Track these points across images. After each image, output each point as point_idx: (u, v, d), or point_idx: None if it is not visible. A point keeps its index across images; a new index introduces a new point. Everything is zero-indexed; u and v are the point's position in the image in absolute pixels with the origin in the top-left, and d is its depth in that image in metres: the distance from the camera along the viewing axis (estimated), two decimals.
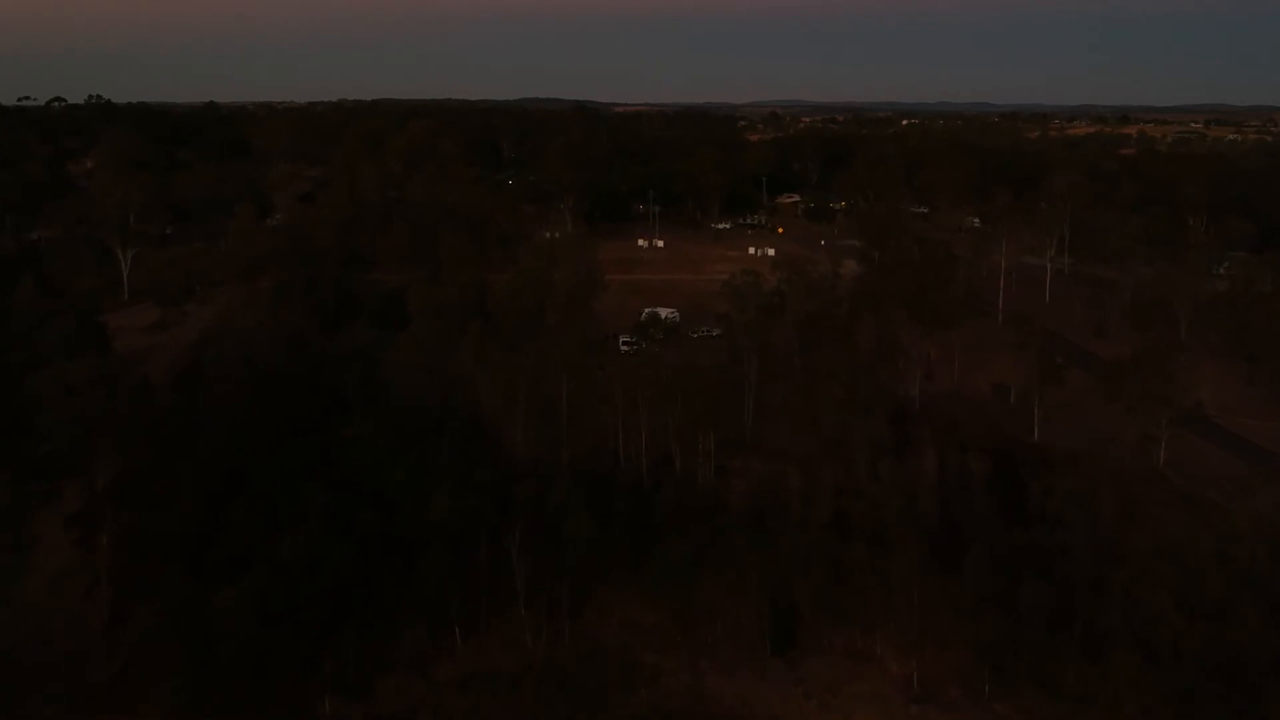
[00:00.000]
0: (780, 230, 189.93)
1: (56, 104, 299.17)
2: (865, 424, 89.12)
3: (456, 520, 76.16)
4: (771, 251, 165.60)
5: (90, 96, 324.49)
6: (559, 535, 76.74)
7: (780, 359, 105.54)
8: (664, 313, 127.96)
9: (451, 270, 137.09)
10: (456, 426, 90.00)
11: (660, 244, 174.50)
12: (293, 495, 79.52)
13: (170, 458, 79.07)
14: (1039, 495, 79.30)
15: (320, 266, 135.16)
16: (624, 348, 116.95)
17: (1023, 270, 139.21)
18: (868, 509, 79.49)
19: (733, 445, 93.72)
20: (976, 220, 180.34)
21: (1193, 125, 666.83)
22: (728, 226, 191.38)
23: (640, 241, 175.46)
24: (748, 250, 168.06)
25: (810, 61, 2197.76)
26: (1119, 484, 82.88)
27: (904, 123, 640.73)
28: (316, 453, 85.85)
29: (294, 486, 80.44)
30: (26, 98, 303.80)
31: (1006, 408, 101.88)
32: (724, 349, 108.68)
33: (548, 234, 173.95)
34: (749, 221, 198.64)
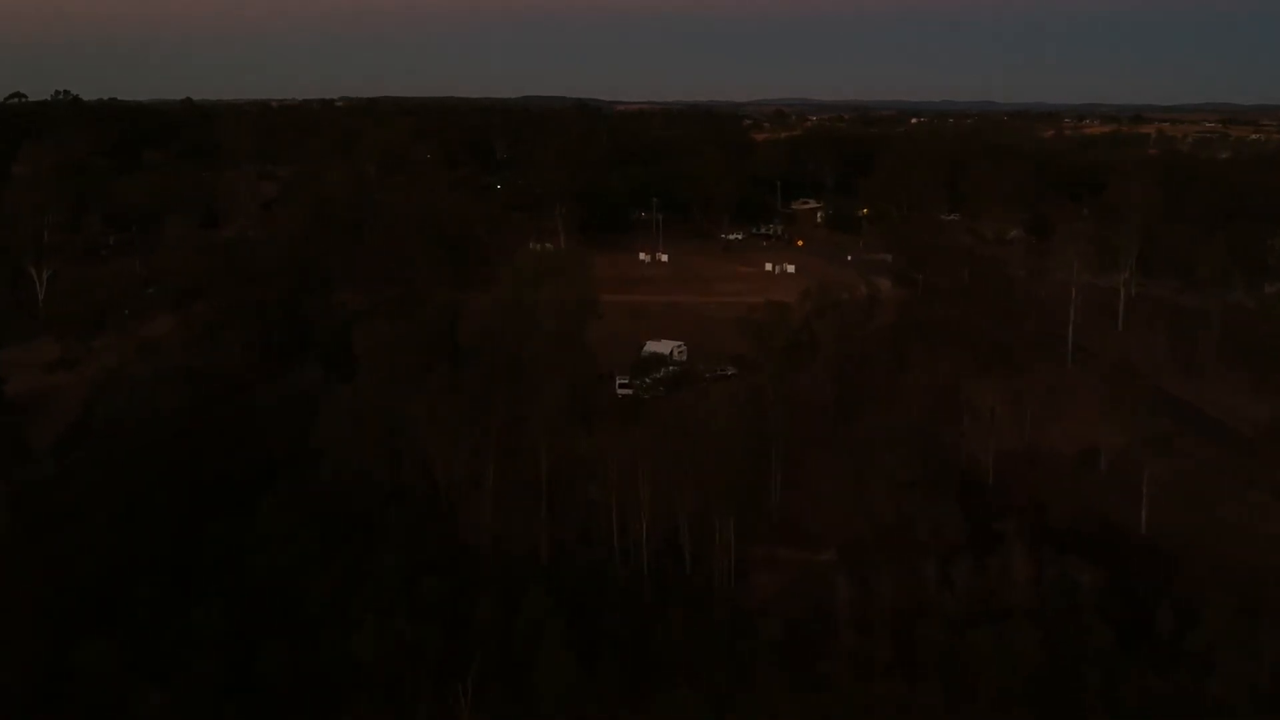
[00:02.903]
0: (799, 242, 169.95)
1: (16, 100, 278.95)
2: (929, 507, 69.49)
3: (391, 659, 56.56)
4: (791, 268, 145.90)
5: (58, 92, 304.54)
6: (529, 674, 57.18)
7: (813, 413, 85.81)
8: (668, 347, 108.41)
9: (422, 291, 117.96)
10: (402, 513, 70.42)
11: (664, 258, 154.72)
12: (181, 617, 59.96)
13: (15, 567, 59.17)
14: (1171, 620, 59.63)
15: (268, 288, 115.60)
16: (621, 390, 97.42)
17: (1085, 292, 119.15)
18: (943, 637, 59.65)
19: (756, 525, 74.21)
20: (1016, 230, 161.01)
21: (1207, 124, 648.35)
22: (739, 237, 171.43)
23: (642, 255, 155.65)
24: (764, 266, 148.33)
25: (811, 60, 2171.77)
26: (1257, 592, 63.14)
27: (912, 121, 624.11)
28: (222, 550, 66.27)
29: (185, 603, 60.88)
30: None
31: (1097, 479, 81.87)
32: (741, 395, 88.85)
33: (537, 246, 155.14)
34: (764, 231, 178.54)
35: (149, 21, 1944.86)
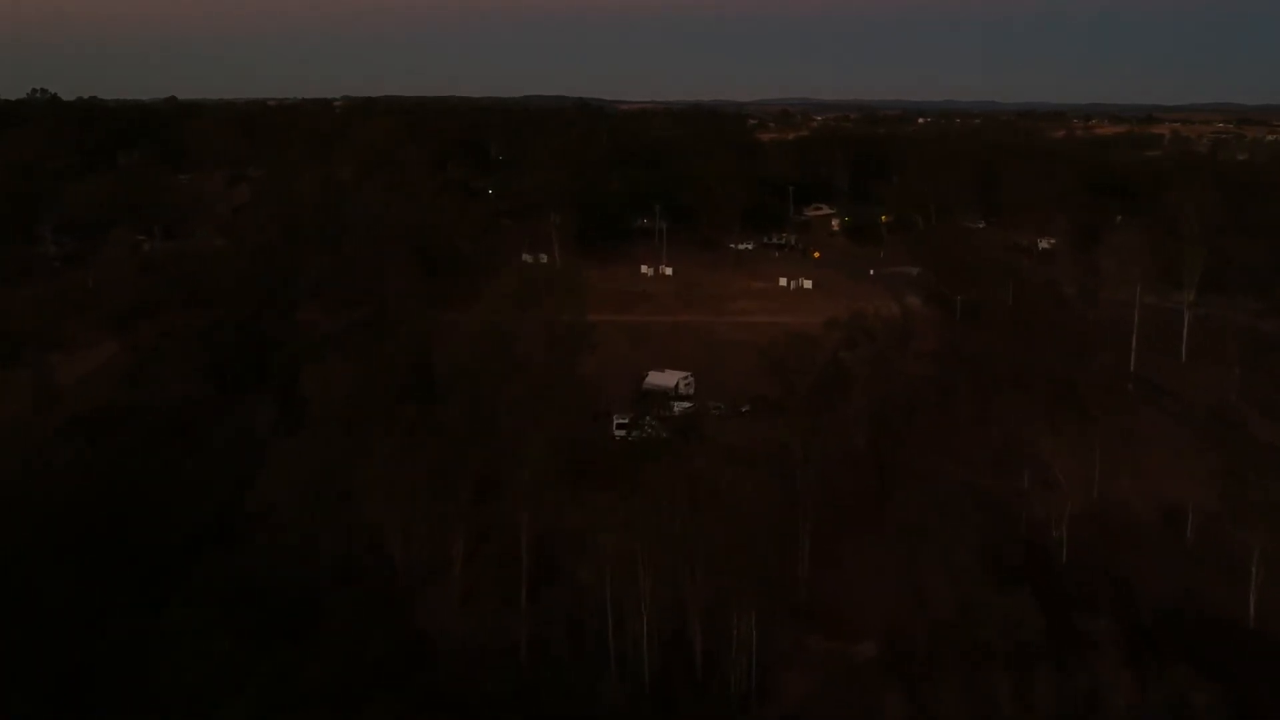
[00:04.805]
0: (816, 254, 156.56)
1: None
2: (994, 595, 56.56)
3: None
4: (808, 283, 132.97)
5: (34, 90, 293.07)
6: None
7: (847, 470, 72.89)
8: (674, 379, 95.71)
9: (397, 312, 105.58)
10: (349, 604, 57.53)
11: (668, 271, 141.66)
12: None
13: None
14: None
15: (224, 308, 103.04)
16: (619, 432, 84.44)
17: (1131, 308, 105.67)
18: None
19: (782, 608, 61.30)
20: (1049, 240, 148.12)
21: (1219, 124, 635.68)
22: (750, 247, 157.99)
23: (644, 268, 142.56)
24: (778, 281, 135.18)
25: (814, 59, 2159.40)
26: None
27: (919, 120, 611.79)
28: (121, 654, 53.41)
29: None
30: None
31: (1183, 548, 68.99)
32: (761, 444, 75.88)
33: (530, 257, 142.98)
34: (776, 241, 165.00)
35: (148, 21, 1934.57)
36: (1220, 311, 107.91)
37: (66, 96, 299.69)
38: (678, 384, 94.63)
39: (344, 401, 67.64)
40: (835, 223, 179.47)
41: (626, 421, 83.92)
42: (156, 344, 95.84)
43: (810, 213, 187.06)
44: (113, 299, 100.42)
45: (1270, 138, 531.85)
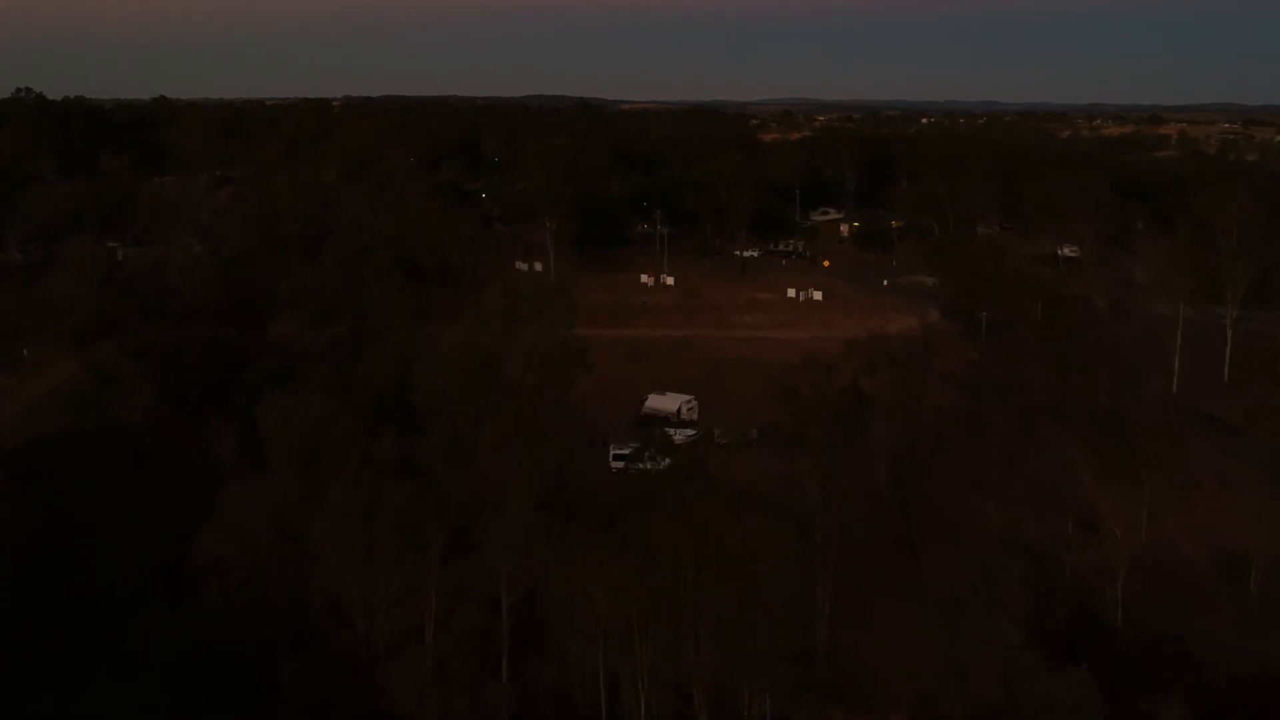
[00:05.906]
0: (826, 263, 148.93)
1: None
2: (1048, 674, 49.19)
3: None
4: (818, 294, 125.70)
5: (19, 89, 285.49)
6: None
7: (869, 510, 65.61)
8: (675, 403, 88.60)
9: (381, 325, 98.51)
10: (304, 678, 50.19)
11: (670, 280, 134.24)
12: None
13: None
14: None
15: (191, 324, 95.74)
16: (616, 464, 77.29)
17: (1166, 323, 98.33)
18: None
19: (798, 678, 53.92)
20: (1070, 248, 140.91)
21: (1224, 125, 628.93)
22: (755, 255, 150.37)
23: (644, 277, 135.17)
24: (786, 291, 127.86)
25: (813, 59, 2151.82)
26: None
27: (922, 120, 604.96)
28: None
29: None
30: None
31: (1247, 601, 61.68)
32: (770, 475, 68.57)
33: (524, 265, 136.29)
34: (783, 248, 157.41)
35: (144, 20, 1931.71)
36: (1264, 327, 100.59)
37: (54, 95, 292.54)
38: (680, 408, 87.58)
39: (305, 440, 60.32)
40: (844, 228, 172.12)
41: (626, 453, 76.66)
42: (115, 364, 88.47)
43: (817, 218, 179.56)
44: (71, 313, 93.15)
45: (1278, 139, 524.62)
